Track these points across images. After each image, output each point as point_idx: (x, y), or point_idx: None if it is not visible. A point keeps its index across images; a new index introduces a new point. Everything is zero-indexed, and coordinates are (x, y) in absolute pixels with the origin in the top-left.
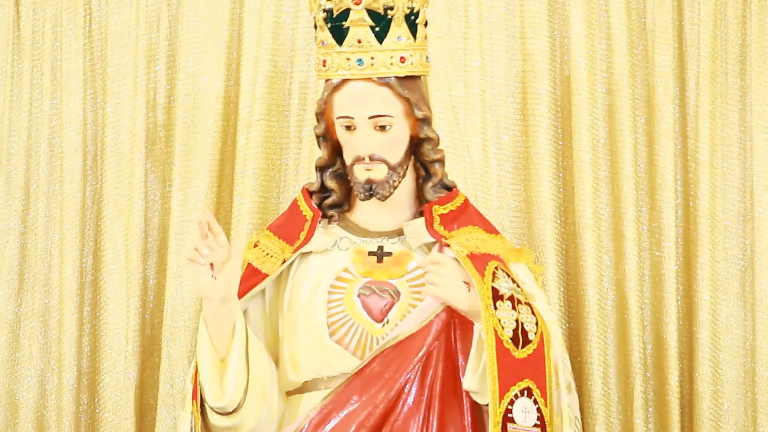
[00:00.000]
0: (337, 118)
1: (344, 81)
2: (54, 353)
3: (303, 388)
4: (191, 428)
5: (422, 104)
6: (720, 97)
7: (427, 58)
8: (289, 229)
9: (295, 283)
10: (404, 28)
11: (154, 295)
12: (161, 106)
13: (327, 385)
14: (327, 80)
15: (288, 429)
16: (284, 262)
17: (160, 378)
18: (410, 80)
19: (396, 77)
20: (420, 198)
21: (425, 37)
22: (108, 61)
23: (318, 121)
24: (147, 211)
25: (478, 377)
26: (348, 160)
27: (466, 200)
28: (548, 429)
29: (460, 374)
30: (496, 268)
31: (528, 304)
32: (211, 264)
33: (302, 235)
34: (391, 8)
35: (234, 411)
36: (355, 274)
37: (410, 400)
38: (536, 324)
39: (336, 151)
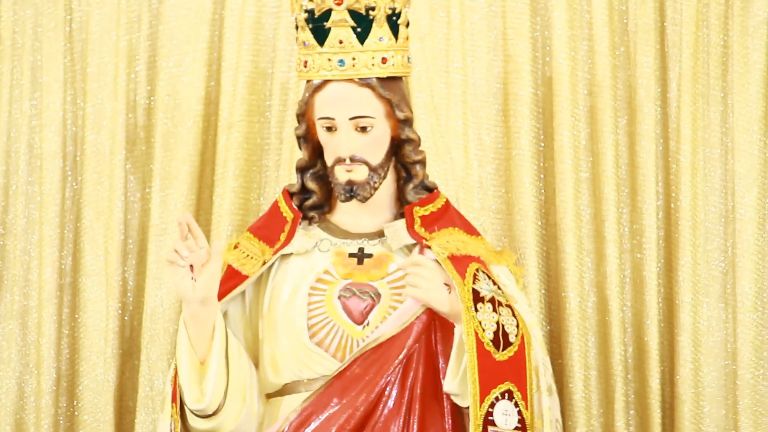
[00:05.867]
0: (318, 119)
1: (325, 82)
2: (32, 355)
3: (283, 391)
4: (171, 431)
5: (403, 105)
6: (702, 99)
7: (408, 59)
8: (269, 230)
9: (275, 285)
10: (386, 29)
11: (133, 297)
12: (141, 107)
13: (307, 387)
14: (308, 81)
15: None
16: (264, 263)
17: (139, 380)
18: (392, 81)
19: (377, 78)
20: (401, 199)
21: (407, 38)
22: (88, 61)
23: (299, 122)
24: (127, 212)
25: (459, 379)
26: (329, 162)
27: (447, 202)
28: None
29: (441, 376)
30: (477, 269)
31: (509, 306)
32: (191, 266)
33: (282, 237)
34: (373, 9)
35: (214, 413)
36: (335, 275)
37: (390, 403)
38: (517, 326)
39: (317, 152)
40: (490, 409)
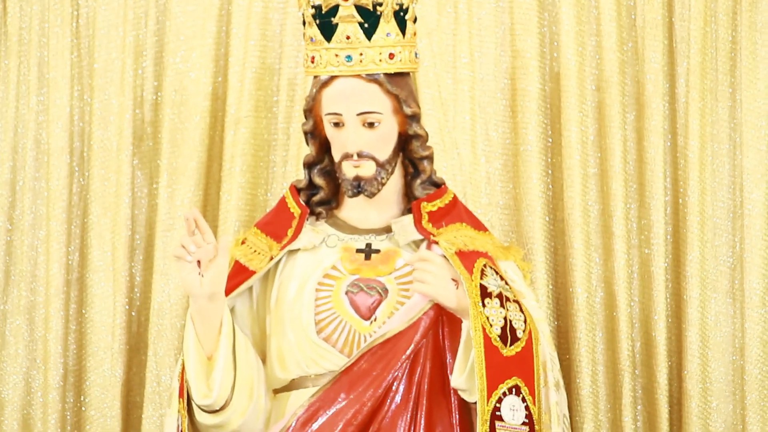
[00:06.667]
0: (326, 115)
1: (333, 77)
2: (40, 351)
3: (290, 386)
4: (178, 426)
5: (411, 101)
6: (710, 94)
7: (416, 54)
8: (276, 226)
9: (282, 281)
10: (393, 25)
11: (140, 293)
12: (148, 103)
13: (314, 383)
14: (315, 77)
15: (275, 427)
16: (272, 259)
17: (146, 376)
18: (399, 77)
19: (385, 74)
20: (408, 195)
21: (414, 34)
22: (95, 57)
23: (306, 118)
24: (134, 208)
25: (466, 375)
26: (336, 157)
27: (454, 197)
28: (536, 427)
29: (448, 372)
30: (485, 265)
31: (516, 301)
32: (198, 261)
33: (290, 233)
34: (380, 4)
35: (221, 409)
36: (342, 271)
37: (398, 398)
38: (525, 321)
39: (324, 147)
40: (498, 405)
